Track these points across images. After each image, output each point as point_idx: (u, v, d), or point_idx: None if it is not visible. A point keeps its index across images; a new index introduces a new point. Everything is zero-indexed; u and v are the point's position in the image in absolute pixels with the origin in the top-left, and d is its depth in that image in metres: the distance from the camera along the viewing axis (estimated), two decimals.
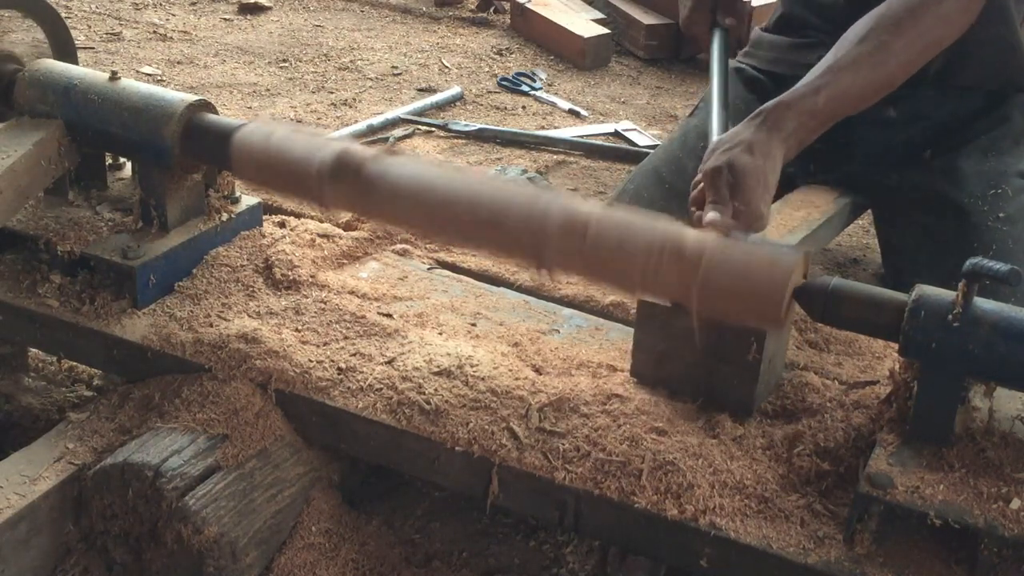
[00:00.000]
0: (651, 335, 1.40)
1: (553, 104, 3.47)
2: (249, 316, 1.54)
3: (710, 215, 1.38)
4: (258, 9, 4.15)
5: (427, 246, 1.80)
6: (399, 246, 1.79)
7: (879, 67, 1.57)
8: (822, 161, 1.98)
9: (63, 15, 1.84)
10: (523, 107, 3.44)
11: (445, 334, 1.54)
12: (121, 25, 3.91)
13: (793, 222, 1.82)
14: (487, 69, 3.73)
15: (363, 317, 1.55)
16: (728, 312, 1.25)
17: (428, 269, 1.74)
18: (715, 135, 1.67)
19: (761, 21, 3.73)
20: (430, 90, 3.49)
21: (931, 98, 1.93)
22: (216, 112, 1.58)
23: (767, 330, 1.31)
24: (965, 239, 1.83)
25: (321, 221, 1.80)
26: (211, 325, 1.52)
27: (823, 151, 1.96)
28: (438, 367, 1.44)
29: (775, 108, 1.51)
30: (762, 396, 1.39)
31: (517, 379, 1.42)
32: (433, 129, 3.19)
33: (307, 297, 1.59)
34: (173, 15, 4.06)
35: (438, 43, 3.96)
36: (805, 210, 1.88)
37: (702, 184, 1.46)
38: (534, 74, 3.67)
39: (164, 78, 3.43)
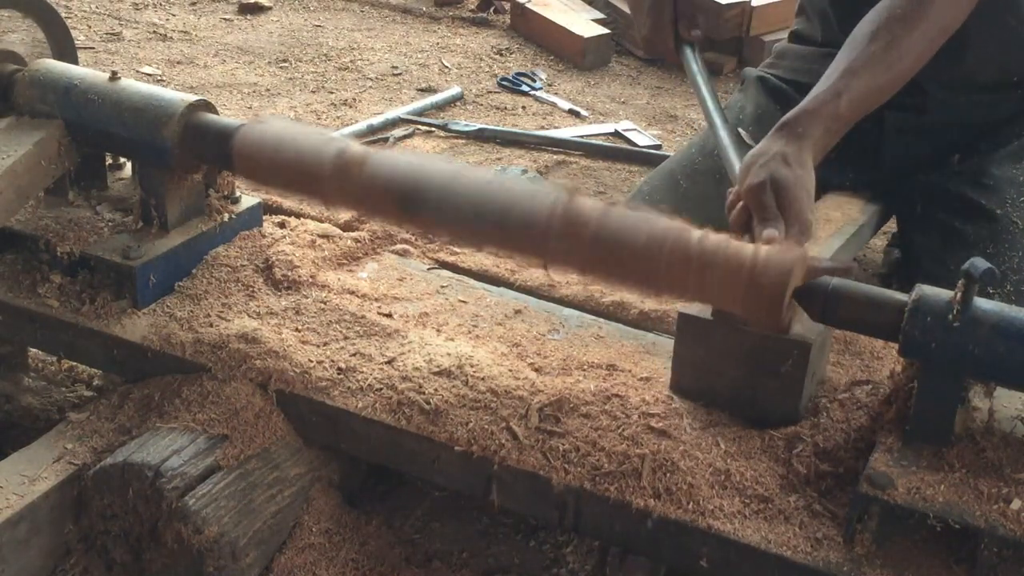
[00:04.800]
0: (692, 348, 1.38)
1: (553, 104, 3.47)
2: (249, 316, 1.54)
3: (767, 232, 1.36)
4: (258, 9, 4.15)
5: (427, 246, 1.80)
6: (399, 246, 1.79)
7: (895, 63, 1.56)
8: (850, 167, 1.98)
9: (63, 15, 1.84)
10: (523, 107, 3.44)
11: (445, 334, 1.54)
12: (121, 25, 3.91)
13: (826, 232, 1.80)
14: (487, 69, 3.73)
15: (363, 317, 1.55)
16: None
17: (428, 269, 1.74)
18: (730, 151, 1.62)
19: (761, 22, 3.75)
20: (430, 90, 3.49)
21: (960, 103, 1.92)
22: (216, 112, 1.58)
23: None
24: (992, 245, 1.82)
25: (321, 221, 1.80)
26: (211, 325, 1.52)
27: (851, 156, 1.96)
28: (438, 367, 1.44)
29: (799, 117, 1.49)
30: (803, 409, 1.37)
31: (517, 379, 1.42)
32: (433, 129, 3.19)
33: (307, 297, 1.59)
34: (173, 15, 4.06)
35: (438, 43, 3.96)
36: (836, 219, 1.86)
37: (741, 204, 1.43)
38: (534, 74, 3.67)
39: (164, 78, 3.43)
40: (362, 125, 3.13)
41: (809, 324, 1.31)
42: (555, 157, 3.08)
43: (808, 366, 1.32)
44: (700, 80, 1.83)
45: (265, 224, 1.73)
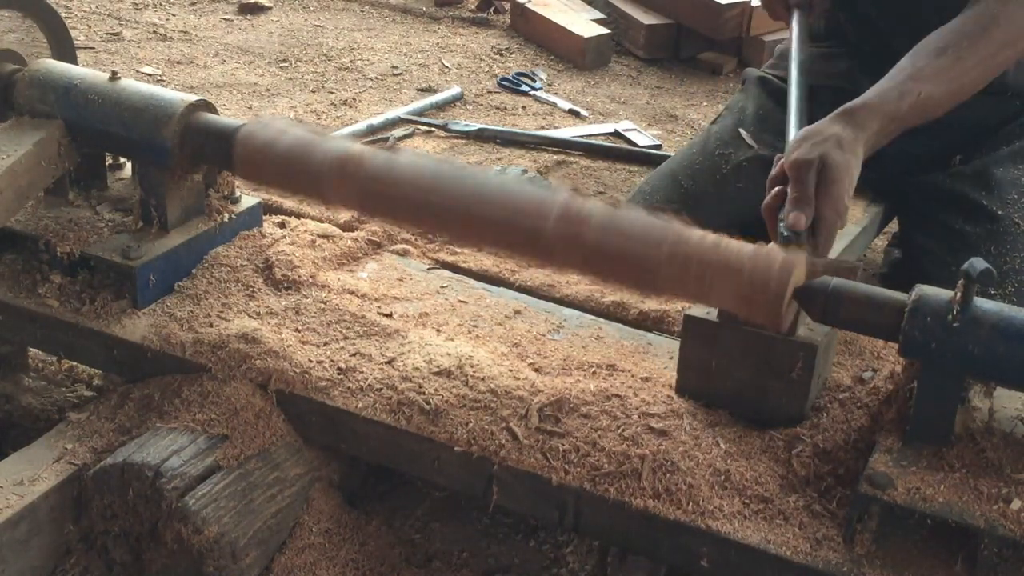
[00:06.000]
0: (698, 351, 1.37)
1: (553, 104, 3.47)
2: (249, 316, 1.54)
3: (793, 215, 1.37)
4: (258, 9, 4.15)
5: (427, 246, 1.80)
6: (399, 246, 1.79)
7: (956, 80, 1.60)
8: None
9: (63, 15, 1.84)
10: (523, 107, 3.44)
11: (445, 334, 1.54)
12: (121, 25, 3.91)
13: None
14: (487, 69, 3.73)
15: (363, 317, 1.55)
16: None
17: (428, 269, 1.74)
18: (794, 117, 1.66)
19: (761, 22, 3.74)
20: (430, 90, 3.49)
21: (963, 104, 1.92)
22: (216, 112, 1.58)
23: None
24: (993, 245, 1.82)
25: (321, 221, 1.81)
26: (211, 325, 1.52)
27: None
28: (438, 367, 1.44)
29: (861, 107, 1.51)
30: (809, 412, 1.37)
31: (517, 379, 1.42)
32: (433, 129, 3.19)
33: (307, 297, 1.59)
34: (173, 15, 4.06)
35: (438, 43, 3.96)
36: None
37: (777, 188, 1.44)
38: (534, 74, 3.67)
39: (164, 78, 3.43)
40: (362, 125, 3.12)
41: (815, 326, 1.31)
42: (555, 157, 3.08)
43: (815, 368, 1.32)
44: (795, 43, 1.90)
45: (265, 224, 1.73)
